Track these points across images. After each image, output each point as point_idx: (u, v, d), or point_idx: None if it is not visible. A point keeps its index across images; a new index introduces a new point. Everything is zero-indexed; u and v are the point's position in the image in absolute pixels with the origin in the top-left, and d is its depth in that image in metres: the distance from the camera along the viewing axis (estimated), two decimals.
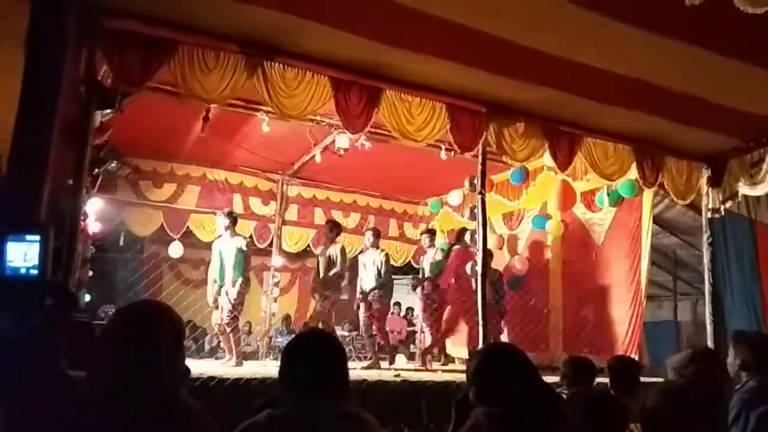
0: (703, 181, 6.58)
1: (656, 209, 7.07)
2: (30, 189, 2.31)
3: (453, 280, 7.14)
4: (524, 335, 7.50)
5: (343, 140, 6.26)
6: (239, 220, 6.93)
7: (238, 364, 6.24)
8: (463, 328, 7.30)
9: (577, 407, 2.01)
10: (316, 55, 4.66)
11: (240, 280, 6.30)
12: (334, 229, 7.17)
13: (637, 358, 6.46)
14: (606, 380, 3.61)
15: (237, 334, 6.43)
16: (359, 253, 7.41)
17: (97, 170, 6.16)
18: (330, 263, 6.91)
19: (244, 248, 6.42)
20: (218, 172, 8.09)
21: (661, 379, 3.40)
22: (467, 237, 7.67)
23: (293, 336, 2.03)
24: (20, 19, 2.56)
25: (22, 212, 2.26)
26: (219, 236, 6.67)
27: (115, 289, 8.43)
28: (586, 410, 2.00)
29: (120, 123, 5.66)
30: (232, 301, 6.26)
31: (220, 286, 6.40)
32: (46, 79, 2.44)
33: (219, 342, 7.38)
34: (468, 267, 6.91)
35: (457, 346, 9.11)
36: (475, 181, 6.21)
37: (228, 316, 6.26)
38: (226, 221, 6.51)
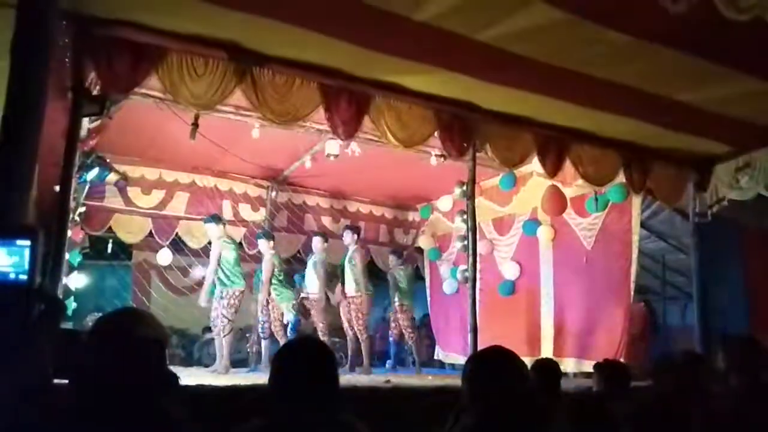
0: (690, 185, 6.64)
1: (644, 214, 7.12)
2: (16, 195, 2.29)
3: None
4: (515, 340, 7.51)
5: (333, 146, 6.26)
6: (227, 226, 7.19)
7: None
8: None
9: (563, 413, 2.01)
10: (305, 62, 4.66)
11: None
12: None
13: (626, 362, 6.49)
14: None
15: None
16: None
17: (84, 177, 6.12)
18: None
19: None
20: (207, 179, 8.05)
21: (649, 383, 3.41)
22: (458, 243, 7.73)
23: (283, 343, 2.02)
24: (5, 25, 2.54)
25: (8, 218, 2.23)
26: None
27: (103, 297, 8.36)
28: (573, 415, 2.00)
29: (108, 129, 5.65)
30: None
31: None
32: (32, 85, 2.42)
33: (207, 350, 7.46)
34: None
35: (450, 352, 9.14)
36: (465, 187, 6.24)
37: None
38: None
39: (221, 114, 5.12)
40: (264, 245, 7.15)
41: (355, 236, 7.23)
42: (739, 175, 6.19)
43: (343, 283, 7.18)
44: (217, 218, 6.94)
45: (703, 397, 2.69)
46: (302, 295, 7.19)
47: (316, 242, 7.28)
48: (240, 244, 7.80)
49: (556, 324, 7.67)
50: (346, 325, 7.18)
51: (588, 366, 6.90)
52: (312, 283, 7.10)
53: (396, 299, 7.88)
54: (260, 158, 7.31)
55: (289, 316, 7.11)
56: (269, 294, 6.99)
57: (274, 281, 6.97)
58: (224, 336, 6.42)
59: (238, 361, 7.30)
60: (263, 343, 7.11)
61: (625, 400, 3.06)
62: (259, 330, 7.17)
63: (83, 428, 1.49)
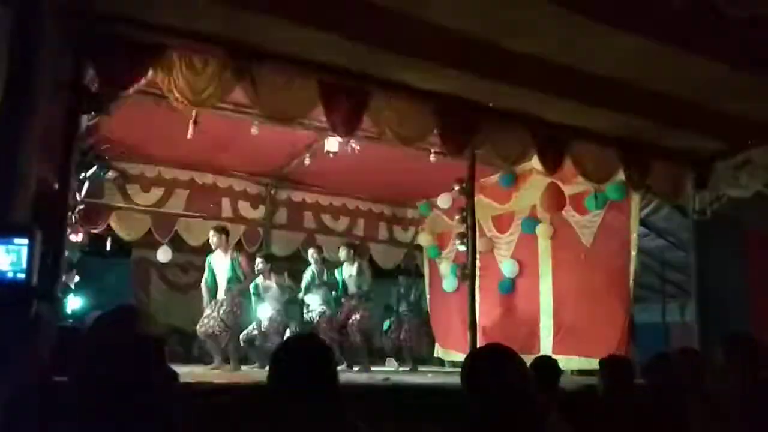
0: (690, 183, 6.64)
1: (644, 212, 7.12)
2: (14, 194, 2.28)
3: None
4: (514, 337, 7.52)
5: (332, 143, 6.26)
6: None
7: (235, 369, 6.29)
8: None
9: (562, 411, 2.01)
10: (304, 59, 4.66)
11: None
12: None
13: None
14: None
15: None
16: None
17: (83, 174, 6.11)
18: None
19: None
20: (206, 176, 8.05)
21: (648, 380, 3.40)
22: (457, 240, 7.76)
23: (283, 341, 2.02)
24: (3, 24, 2.53)
25: (6, 218, 2.23)
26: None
27: (103, 294, 8.35)
28: (571, 413, 2.00)
29: (107, 127, 5.64)
30: None
31: None
32: (30, 83, 2.41)
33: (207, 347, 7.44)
34: None
35: (450, 350, 9.14)
36: (464, 185, 6.25)
37: None
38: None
39: (220, 111, 5.11)
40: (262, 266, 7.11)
41: (351, 252, 7.28)
42: (738, 173, 6.19)
43: (341, 291, 7.24)
44: (221, 229, 6.92)
45: (702, 395, 2.69)
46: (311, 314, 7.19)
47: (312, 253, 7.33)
48: (239, 241, 7.82)
49: (555, 321, 7.67)
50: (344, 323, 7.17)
51: (587, 364, 6.92)
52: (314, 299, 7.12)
53: (401, 304, 7.94)
54: (259, 155, 7.31)
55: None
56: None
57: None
58: (224, 344, 6.43)
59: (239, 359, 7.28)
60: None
61: (628, 397, 3.06)
62: (250, 328, 7.10)
63: (83, 426, 1.49)
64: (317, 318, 7.02)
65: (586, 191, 7.11)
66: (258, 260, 7.10)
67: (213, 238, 6.73)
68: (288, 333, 7.01)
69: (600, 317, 7.04)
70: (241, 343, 6.77)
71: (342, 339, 7.07)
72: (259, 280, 6.98)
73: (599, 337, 6.98)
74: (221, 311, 6.44)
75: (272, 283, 6.98)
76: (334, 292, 7.26)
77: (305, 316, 7.25)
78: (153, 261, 8.45)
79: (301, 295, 7.20)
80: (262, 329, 6.73)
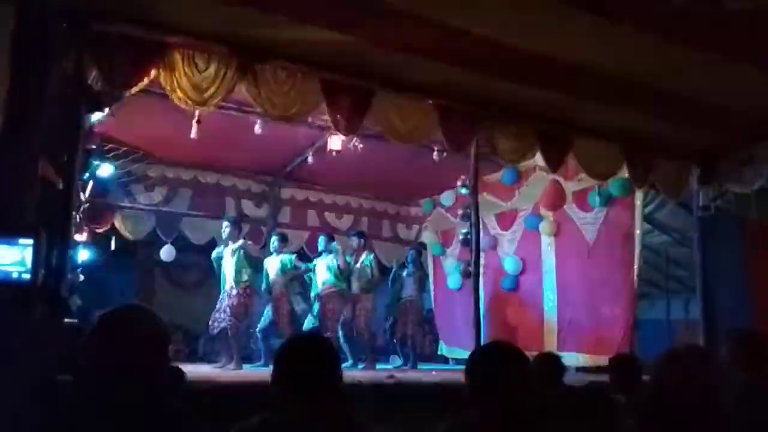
0: (694, 179, 6.62)
1: (648, 208, 7.10)
2: (18, 193, 2.29)
3: None
4: (519, 334, 7.52)
5: (335, 142, 6.26)
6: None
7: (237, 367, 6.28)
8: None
9: (565, 407, 2.01)
10: (307, 57, 4.65)
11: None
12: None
13: None
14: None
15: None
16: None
17: (88, 174, 6.13)
18: None
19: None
20: (210, 175, 8.07)
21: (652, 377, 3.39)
22: (461, 238, 7.74)
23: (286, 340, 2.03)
24: (6, 23, 2.54)
25: (11, 217, 2.24)
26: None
27: (107, 293, 8.39)
28: (575, 410, 2.00)
29: (111, 126, 5.66)
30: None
31: None
32: (34, 83, 2.42)
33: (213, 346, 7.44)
34: None
35: (454, 347, 9.14)
36: (468, 182, 6.24)
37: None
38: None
39: (224, 110, 5.11)
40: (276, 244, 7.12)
41: (362, 241, 7.31)
42: (743, 168, 6.17)
43: (348, 281, 7.21)
44: (232, 220, 6.94)
45: (707, 392, 2.68)
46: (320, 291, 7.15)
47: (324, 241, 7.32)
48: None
49: (559, 318, 7.67)
50: (348, 320, 7.18)
51: (590, 360, 6.92)
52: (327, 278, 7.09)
53: (407, 293, 7.82)
54: (263, 154, 7.32)
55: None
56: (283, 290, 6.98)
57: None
58: (232, 336, 6.41)
59: (243, 358, 7.30)
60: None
61: (634, 394, 3.05)
62: (260, 325, 7.11)
63: (88, 425, 1.50)
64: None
65: (589, 188, 7.11)
66: (273, 238, 7.13)
67: (225, 230, 6.73)
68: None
69: (604, 314, 7.04)
70: (259, 336, 6.82)
71: (346, 335, 7.05)
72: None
73: (603, 333, 6.98)
74: (229, 303, 6.42)
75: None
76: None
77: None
78: (157, 260, 8.47)
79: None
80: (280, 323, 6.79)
